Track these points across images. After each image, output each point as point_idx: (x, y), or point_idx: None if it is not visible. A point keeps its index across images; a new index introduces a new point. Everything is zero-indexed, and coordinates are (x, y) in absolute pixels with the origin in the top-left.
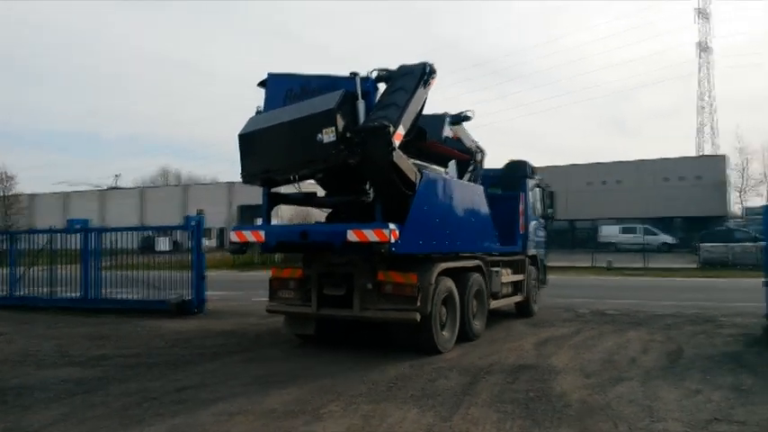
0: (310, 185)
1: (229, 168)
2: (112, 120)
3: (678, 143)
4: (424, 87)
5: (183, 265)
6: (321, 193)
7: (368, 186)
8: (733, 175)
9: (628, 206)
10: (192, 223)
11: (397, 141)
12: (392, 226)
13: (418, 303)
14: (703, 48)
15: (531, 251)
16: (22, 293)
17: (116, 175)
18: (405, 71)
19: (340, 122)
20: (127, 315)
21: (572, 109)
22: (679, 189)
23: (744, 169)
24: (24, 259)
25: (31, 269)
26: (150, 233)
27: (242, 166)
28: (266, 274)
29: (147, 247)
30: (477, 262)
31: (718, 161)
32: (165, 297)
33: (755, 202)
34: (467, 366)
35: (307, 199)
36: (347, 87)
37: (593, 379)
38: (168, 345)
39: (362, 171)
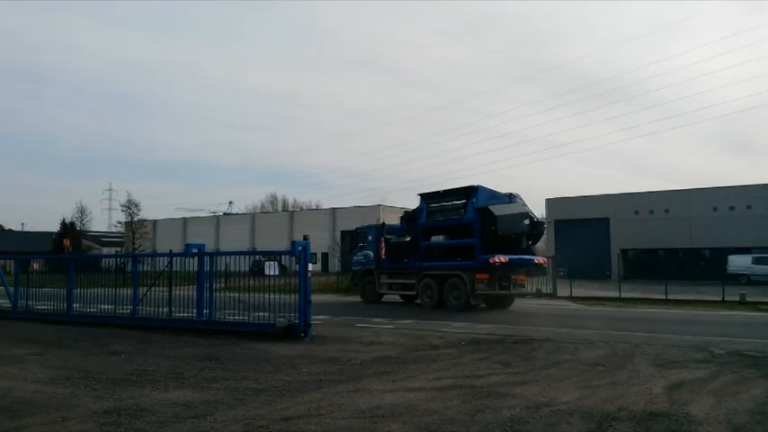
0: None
1: (331, 195)
2: (225, 150)
3: None
4: None
5: (289, 288)
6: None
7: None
8: None
9: (758, 234)
10: (299, 248)
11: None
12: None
13: (527, 286)
14: None
15: None
16: (143, 314)
17: (230, 202)
18: (515, 195)
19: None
20: (237, 336)
21: (688, 130)
22: None
23: None
24: (146, 281)
25: (152, 290)
26: (260, 257)
27: (499, 229)
28: None
29: (257, 270)
30: None
31: None
32: (273, 320)
33: None
34: (590, 411)
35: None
36: (510, 199)
37: None
38: (275, 369)
39: (530, 235)
